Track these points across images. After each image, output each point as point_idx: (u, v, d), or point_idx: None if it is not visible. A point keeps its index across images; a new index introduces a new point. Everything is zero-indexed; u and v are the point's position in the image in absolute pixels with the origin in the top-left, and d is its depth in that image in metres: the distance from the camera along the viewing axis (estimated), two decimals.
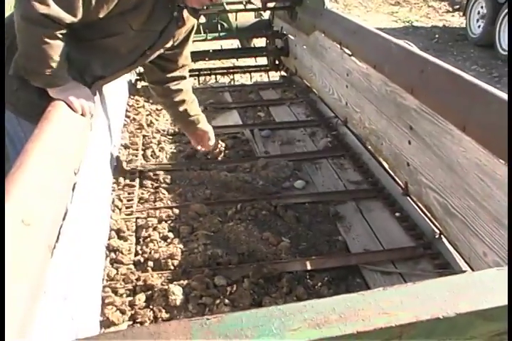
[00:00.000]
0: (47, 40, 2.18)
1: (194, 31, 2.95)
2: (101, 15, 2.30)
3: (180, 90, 3.12)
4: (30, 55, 2.25)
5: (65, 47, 2.27)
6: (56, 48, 2.22)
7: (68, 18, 2.17)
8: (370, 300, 1.03)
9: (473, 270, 2.47)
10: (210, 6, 5.42)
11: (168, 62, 3.00)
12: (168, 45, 2.76)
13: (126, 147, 3.92)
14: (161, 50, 2.76)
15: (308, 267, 2.59)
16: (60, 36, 2.22)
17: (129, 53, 2.65)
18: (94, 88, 2.64)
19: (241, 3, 5.35)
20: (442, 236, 2.77)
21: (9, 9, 2.34)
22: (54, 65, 2.24)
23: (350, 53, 3.88)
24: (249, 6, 5.39)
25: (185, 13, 2.66)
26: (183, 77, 3.12)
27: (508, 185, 2.09)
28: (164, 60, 2.95)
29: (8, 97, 2.39)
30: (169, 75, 3.06)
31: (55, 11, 2.12)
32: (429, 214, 2.90)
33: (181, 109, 3.18)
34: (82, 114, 2.38)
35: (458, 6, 13.03)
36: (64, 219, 1.83)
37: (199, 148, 3.45)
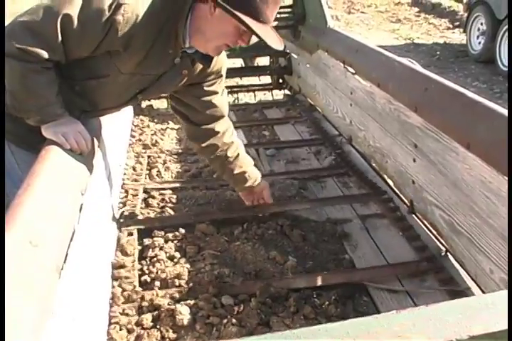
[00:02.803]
0: (28, 74, 2.12)
1: (222, 77, 2.73)
2: (85, 54, 2.20)
3: (221, 144, 2.93)
4: (15, 91, 2.17)
5: (52, 82, 2.20)
6: (40, 83, 2.15)
7: (46, 55, 2.09)
8: (384, 323, 1.03)
9: (479, 287, 2.46)
10: None
11: (195, 112, 2.80)
12: (171, 89, 2.62)
13: (131, 167, 3.93)
14: (162, 94, 2.64)
15: (314, 283, 2.59)
16: (44, 70, 2.15)
17: (118, 95, 2.51)
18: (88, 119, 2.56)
19: None
20: (448, 253, 2.76)
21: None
22: (40, 100, 2.18)
23: (353, 72, 3.90)
24: None
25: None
26: (221, 131, 2.90)
27: (508, 199, 2.10)
28: (188, 108, 2.79)
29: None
30: (203, 127, 2.85)
31: (31, 45, 2.05)
32: (434, 232, 2.90)
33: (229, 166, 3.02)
34: (79, 152, 2.27)
35: (458, 23, 13.08)
36: (71, 239, 1.84)
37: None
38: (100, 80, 2.35)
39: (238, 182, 3.12)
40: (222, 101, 2.83)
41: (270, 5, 2.14)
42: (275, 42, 2.24)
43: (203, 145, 2.91)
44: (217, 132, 2.89)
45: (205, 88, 2.69)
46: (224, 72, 2.73)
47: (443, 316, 1.06)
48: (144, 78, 2.43)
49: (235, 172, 3.02)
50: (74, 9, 2.05)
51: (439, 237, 2.87)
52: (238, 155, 3.02)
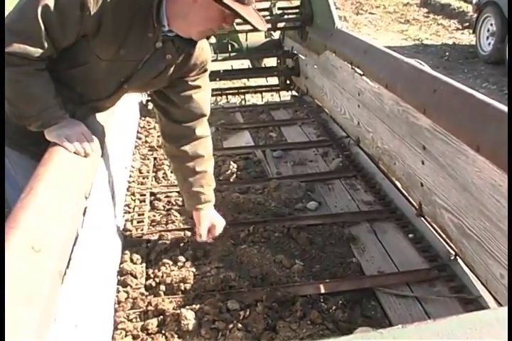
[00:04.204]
0: (22, 78, 2.10)
1: (207, 72, 2.64)
2: (71, 41, 2.17)
3: (194, 154, 2.76)
4: (12, 98, 2.16)
5: (48, 83, 2.18)
6: (36, 85, 2.13)
7: (35, 52, 2.07)
8: (389, 338, 0.99)
9: (490, 292, 2.43)
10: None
11: (177, 108, 2.66)
12: (159, 82, 2.52)
13: (137, 169, 3.91)
14: (150, 85, 2.57)
15: (322, 290, 2.56)
16: (38, 72, 2.13)
17: (103, 85, 2.44)
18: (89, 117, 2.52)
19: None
20: (458, 257, 2.73)
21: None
22: (39, 104, 2.16)
23: (361, 73, 3.87)
24: None
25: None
26: (199, 134, 2.74)
27: (508, 198, 2.07)
28: (171, 103, 2.67)
29: None
30: (182, 125, 2.70)
31: (20, 47, 2.03)
32: (444, 235, 2.87)
33: (190, 179, 2.82)
34: (83, 155, 2.22)
35: (467, 24, 13.02)
36: (75, 244, 1.81)
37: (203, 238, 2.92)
38: (80, 68, 2.31)
39: (190, 200, 2.91)
40: (204, 97, 2.70)
41: None
42: (259, 23, 2.19)
43: (181, 148, 2.74)
44: (196, 136, 2.74)
45: (190, 82, 2.60)
46: (209, 67, 2.65)
47: (451, 331, 1.02)
48: (126, 64, 2.36)
49: (193, 188, 2.83)
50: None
51: (448, 240, 2.83)
52: (206, 172, 2.84)
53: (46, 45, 2.10)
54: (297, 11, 5.51)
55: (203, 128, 2.77)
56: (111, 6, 2.12)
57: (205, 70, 2.63)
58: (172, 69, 2.46)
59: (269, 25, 5.48)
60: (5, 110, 2.23)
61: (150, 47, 2.32)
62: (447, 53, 10.77)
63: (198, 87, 2.63)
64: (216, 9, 2.09)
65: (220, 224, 2.92)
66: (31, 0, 2.07)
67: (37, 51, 2.08)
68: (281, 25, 5.64)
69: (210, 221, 2.89)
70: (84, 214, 2.06)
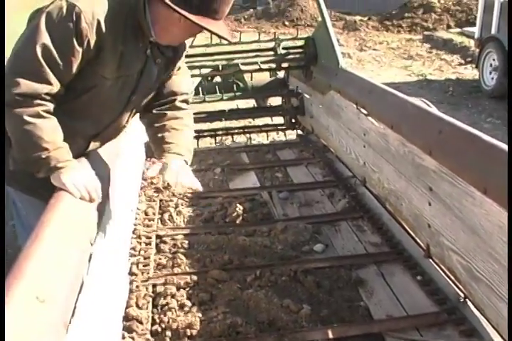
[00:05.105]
0: (31, 119, 2.08)
1: (183, 57, 2.76)
2: (76, 72, 2.21)
3: (164, 115, 2.69)
4: (20, 140, 2.15)
5: (56, 126, 2.18)
6: (44, 127, 2.12)
7: (44, 87, 2.09)
8: None
9: (501, 337, 2.39)
10: (226, 67, 5.50)
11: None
12: (156, 84, 2.61)
13: (143, 211, 3.90)
14: (150, 91, 2.59)
15: (330, 336, 2.52)
16: (46, 115, 2.13)
17: (114, 103, 2.48)
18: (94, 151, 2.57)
19: (256, 63, 5.41)
20: (467, 300, 2.69)
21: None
22: (47, 145, 2.13)
23: (366, 113, 3.88)
24: (264, 66, 5.43)
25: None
26: (176, 107, 2.72)
27: (508, 229, 2.05)
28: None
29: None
30: (156, 102, 2.71)
31: (27, 85, 2.05)
32: (452, 278, 2.83)
33: (159, 135, 2.68)
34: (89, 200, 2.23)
35: (470, 59, 13.10)
36: (80, 291, 1.80)
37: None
38: (90, 93, 2.35)
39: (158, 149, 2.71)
40: (181, 76, 2.78)
41: (222, 4, 2.23)
42: (228, 35, 2.35)
43: (155, 111, 2.71)
44: (176, 106, 2.73)
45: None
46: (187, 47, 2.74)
47: None
48: (128, 79, 2.43)
49: (166, 140, 2.67)
50: (44, 37, 2.08)
51: (457, 283, 2.80)
52: (183, 131, 2.72)
53: (52, 80, 2.12)
54: (301, 50, 5.54)
55: (184, 105, 2.76)
56: (106, 25, 2.17)
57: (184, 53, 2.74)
58: (164, 68, 2.57)
59: (274, 65, 5.53)
60: (13, 155, 2.24)
61: (142, 57, 2.42)
62: (451, 88, 10.81)
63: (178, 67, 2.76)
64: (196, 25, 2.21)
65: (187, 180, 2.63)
66: (27, 41, 2.12)
67: (45, 87, 2.10)
68: (285, 64, 5.67)
69: (174, 170, 2.57)
70: (89, 260, 2.05)
